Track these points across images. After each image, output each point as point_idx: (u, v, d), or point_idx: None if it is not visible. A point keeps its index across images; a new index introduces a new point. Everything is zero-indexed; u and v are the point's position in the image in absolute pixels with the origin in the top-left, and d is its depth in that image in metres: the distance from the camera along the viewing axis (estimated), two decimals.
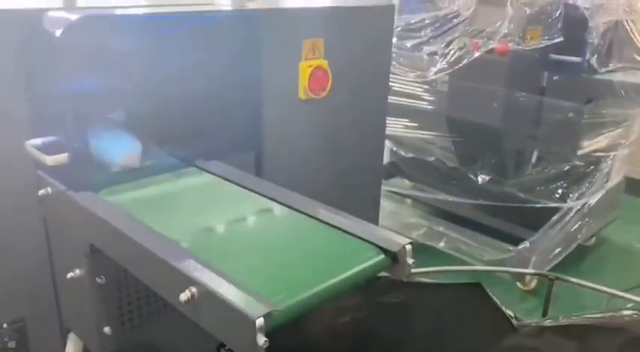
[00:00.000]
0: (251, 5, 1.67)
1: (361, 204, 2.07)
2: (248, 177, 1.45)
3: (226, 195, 1.38)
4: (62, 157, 1.30)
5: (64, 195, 1.32)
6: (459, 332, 1.19)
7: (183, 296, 0.98)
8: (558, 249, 3.08)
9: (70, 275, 1.36)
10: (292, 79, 1.71)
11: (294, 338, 1.02)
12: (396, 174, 3.75)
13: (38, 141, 1.38)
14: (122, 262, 1.21)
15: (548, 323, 1.18)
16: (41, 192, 1.40)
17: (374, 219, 2.15)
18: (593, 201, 3.12)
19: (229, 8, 1.63)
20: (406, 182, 3.80)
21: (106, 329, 1.38)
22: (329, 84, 1.78)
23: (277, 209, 1.29)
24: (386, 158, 3.84)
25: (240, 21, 1.55)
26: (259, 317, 0.87)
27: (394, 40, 3.30)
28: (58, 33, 1.25)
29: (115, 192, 1.37)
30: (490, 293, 1.22)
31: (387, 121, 3.25)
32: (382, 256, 1.11)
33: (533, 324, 1.19)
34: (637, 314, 1.15)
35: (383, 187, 3.65)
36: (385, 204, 3.60)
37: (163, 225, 1.21)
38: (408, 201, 3.76)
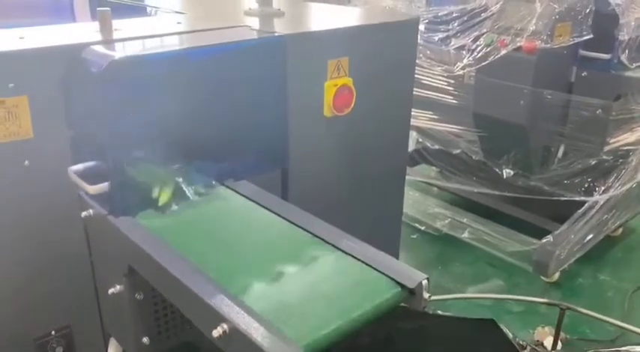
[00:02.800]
0: (277, 26, 1.72)
1: (385, 216, 2.14)
2: (273, 200, 1.53)
3: (253, 220, 1.47)
4: (103, 187, 1.39)
5: (105, 219, 1.42)
6: None
7: (216, 332, 1.07)
8: (583, 243, 3.10)
9: (111, 290, 1.47)
10: (318, 97, 1.77)
11: None
12: (420, 161, 3.80)
13: (80, 166, 1.48)
14: (157, 287, 1.32)
15: None
16: (84, 213, 1.51)
17: (395, 229, 2.21)
18: (620, 194, 3.12)
19: (256, 32, 1.68)
20: (431, 171, 3.84)
21: (145, 340, 1.50)
22: (353, 100, 1.83)
23: (302, 237, 1.37)
24: (411, 146, 3.89)
25: (268, 47, 1.61)
26: None
27: (421, 27, 3.33)
28: (98, 70, 1.33)
29: (152, 216, 1.46)
30: (503, 327, 1.28)
31: (413, 112, 3.30)
32: (399, 290, 1.19)
33: None
34: None
35: (408, 176, 3.72)
36: (410, 193, 3.67)
37: (194, 252, 1.30)
38: (435, 189, 3.80)
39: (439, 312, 1.52)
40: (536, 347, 1.26)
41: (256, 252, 1.33)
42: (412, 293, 1.19)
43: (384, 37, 1.91)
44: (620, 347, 1.24)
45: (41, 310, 1.59)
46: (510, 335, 1.29)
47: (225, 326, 1.07)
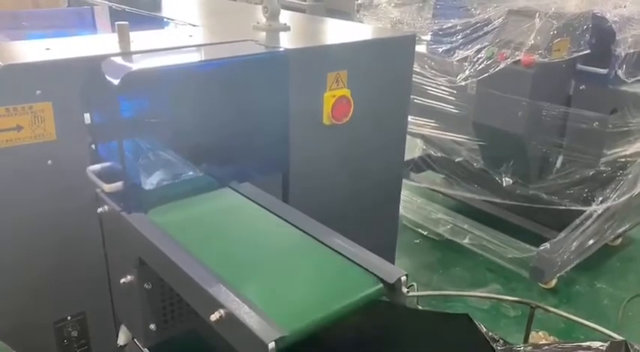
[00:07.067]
0: (282, 40, 1.85)
1: (380, 219, 2.26)
2: (272, 200, 1.67)
3: (253, 218, 1.61)
4: (118, 185, 1.54)
5: (118, 215, 1.56)
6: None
7: (214, 317, 1.20)
8: (580, 251, 3.19)
9: (122, 280, 1.61)
10: (317, 107, 1.90)
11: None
12: (425, 168, 3.92)
13: (98, 167, 1.63)
14: (164, 277, 1.45)
15: (524, 350, 1.35)
16: (100, 209, 1.65)
17: (392, 234, 2.33)
18: (618, 204, 3.20)
19: (261, 46, 1.82)
20: (437, 178, 3.95)
21: (152, 326, 1.63)
22: (351, 110, 1.96)
23: (296, 235, 1.50)
24: (417, 153, 4.01)
25: (271, 60, 1.75)
26: (271, 341, 1.09)
27: (427, 38, 3.45)
28: (115, 80, 1.47)
29: (162, 212, 1.60)
30: (477, 322, 1.39)
31: (418, 121, 3.42)
32: (381, 285, 1.31)
33: (514, 349, 1.36)
34: (603, 344, 1.32)
35: (412, 182, 3.83)
36: (414, 199, 3.78)
37: (198, 246, 1.44)
38: (439, 196, 3.90)
39: (419, 307, 1.62)
40: (506, 340, 1.37)
41: (253, 247, 1.47)
42: (392, 288, 1.32)
43: (382, 51, 2.04)
44: (582, 342, 1.34)
45: (59, 297, 1.73)
46: (484, 329, 1.40)
47: (222, 311, 1.20)
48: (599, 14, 2.85)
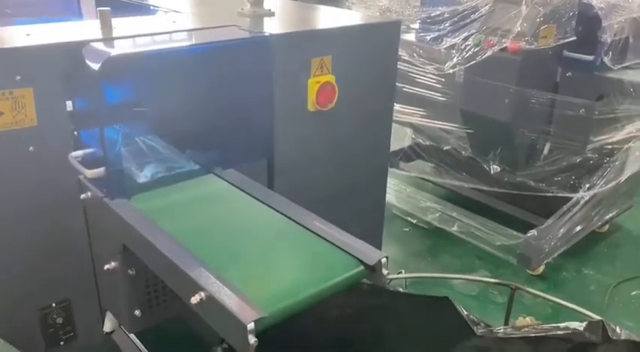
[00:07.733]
0: (266, 26, 1.85)
1: (366, 206, 2.27)
2: (255, 186, 1.67)
3: (236, 204, 1.61)
4: (100, 171, 1.54)
5: (101, 201, 1.56)
6: (426, 336, 1.39)
7: (194, 299, 1.21)
8: (567, 238, 3.21)
9: (106, 266, 1.61)
10: (302, 93, 1.90)
11: (284, 329, 1.22)
12: (414, 157, 3.93)
13: (80, 153, 1.63)
14: (147, 262, 1.46)
15: (504, 332, 1.37)
16: (83, 196, 1.65)
17: (378, 220, 2.34)
18: (605, 191, 3.22)
19: (244, 32, 1.81)
20: (426, 166, 3.96)
21: (137, 312, 1.63)
22: (336, 97, 1.96)
23: (278, 219, 1.51)
24: (407, 143, 4.02)
25: (254, 45, 1.74)
26: (250, 322, 1.10)
27: (415, 26, 3.45)
28: (96, 66, 1.47)
29: (145, 199, 1.60)
30: (457, 305, 1.41)
31: (406, 109, 3.43)
32: (361, 268, 1.32)
33: (494, 331, 1.38)
34: (581, 325, 1.34)
35: (401, 172, 3.84)
36: (403, 188, 3.80)
37: (181, 231, 1.44)
38: (428, 184, 3.92)
39: (399, 289, 1.64)
40: (487, 323, 1.39)
41: (236, 232, 1.48)
42: (373, 270, 1.33)
43: (366, 37, 2.04)
44: (560, 323, 1.36)
45: (43, 283, 1.73)
46: (465, 313, 1.41)
47: (202, 294, 1.20)
48: (585, 1, 2.85)
